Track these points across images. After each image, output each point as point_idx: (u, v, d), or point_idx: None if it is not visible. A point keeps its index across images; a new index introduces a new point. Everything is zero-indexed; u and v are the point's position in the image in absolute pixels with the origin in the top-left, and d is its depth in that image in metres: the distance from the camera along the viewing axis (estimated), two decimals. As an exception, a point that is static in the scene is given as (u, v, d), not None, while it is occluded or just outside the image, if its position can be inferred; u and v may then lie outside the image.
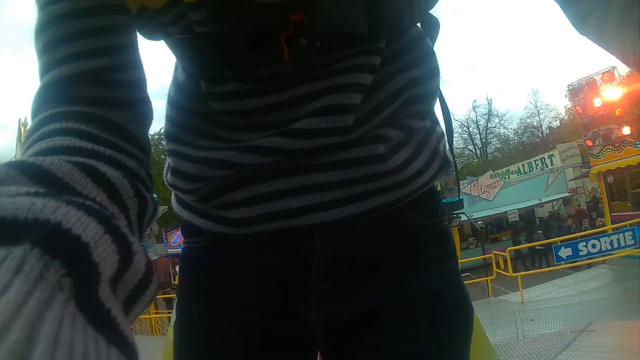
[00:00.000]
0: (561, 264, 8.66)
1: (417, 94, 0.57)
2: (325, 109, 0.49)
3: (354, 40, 0.49)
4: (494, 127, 37.79)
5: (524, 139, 36.23)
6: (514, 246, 13.14)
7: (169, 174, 0.58)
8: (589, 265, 9.87)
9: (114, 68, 0.46)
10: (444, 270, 0.60)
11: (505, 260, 8.60)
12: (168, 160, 0.60)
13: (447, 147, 0.66)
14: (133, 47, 0.49)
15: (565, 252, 8.45)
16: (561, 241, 9.01)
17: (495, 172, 22.52)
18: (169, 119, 0.60)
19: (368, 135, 0.53)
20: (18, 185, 0.28)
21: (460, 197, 12.96)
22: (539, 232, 17.02)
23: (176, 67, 0.62)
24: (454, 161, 0.69)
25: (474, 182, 21.38)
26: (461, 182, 22.10)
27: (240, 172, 0.53)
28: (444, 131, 0.66)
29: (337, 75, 0.50)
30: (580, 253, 8.30)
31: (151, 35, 0.52)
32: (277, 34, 0.45)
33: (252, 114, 0.53)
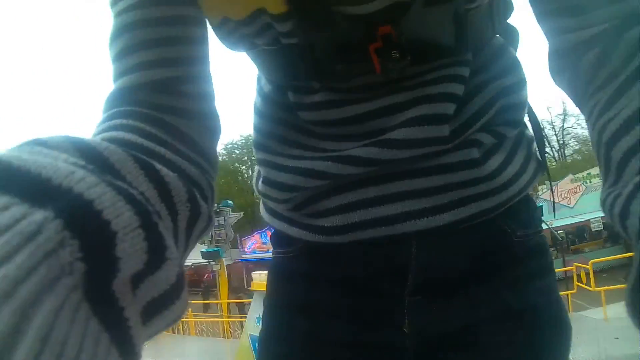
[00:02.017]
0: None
1: (509, 102, 0.57)
2: (420, 119, 0.49)
3: (442, 52, 0.50)
4: (571, 127, 35.77)
5: (607, 139, 33.91)
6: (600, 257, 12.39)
7: (260, 183, 0.58)
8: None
9: (184, 79, 0.46)
10: (543, 286, 0.58)
11: (587, 273, 8.14)
12: (257, 170, 0.60)
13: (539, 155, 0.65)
14: (205, 60, 0.49)
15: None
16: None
17: (576, 176, 21.24)
18: (257, 129, 0.60)
19: (463, 141, 0.53)
20: (67, 154, 0.26)
21: (540, 204, 12.34)
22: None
23: (259, 79, 0.62)
24: (547, 171, 0.67)
25: (554, 187, 20.37)
26: (539, 188, 21.13)
27: (335, 181, 0.53)
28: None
29: (429, 85, 0.50)
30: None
31: (235, 46, 0.52)
32: (367, 46, 0.46)
33: (343, 123, 0.53)
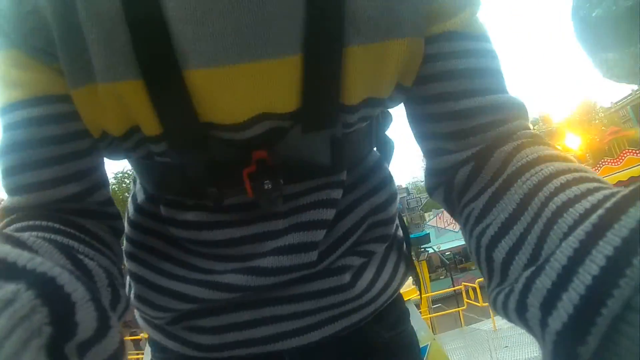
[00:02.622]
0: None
1: (379, 219, 0.58)
2: (289, 248, 0.49)
3: (317, 172, 0.50)
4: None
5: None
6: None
7: (132, 298, 0.56)
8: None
9: (85, 191, 0.47)
10: None
11: (474, 290, 8.70)
12: (129, 281, 0.58)
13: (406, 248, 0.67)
14: (101, 166, 0.50)
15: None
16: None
17: (459, 203, 22.83)
18: (129, 238, 0.58)
19: (333, 266, 0.53)
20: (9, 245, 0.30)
21: (426, 232, 13.11)
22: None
23: (134, 180, 0.60)
24: (415, 269, 0.69)
25: (439, 214, 21.73)
26: (426, 215, 22.41)
27: (206, 304, 0.52)
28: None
29: (301, 212, 0.50)
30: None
31: (113, 156, 0.52)
32: (240, 169, 0.45)
33: (215, 245, 0.52)
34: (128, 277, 0.58)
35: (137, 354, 9.02)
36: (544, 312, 0.28)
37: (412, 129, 0.53)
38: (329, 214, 0.51)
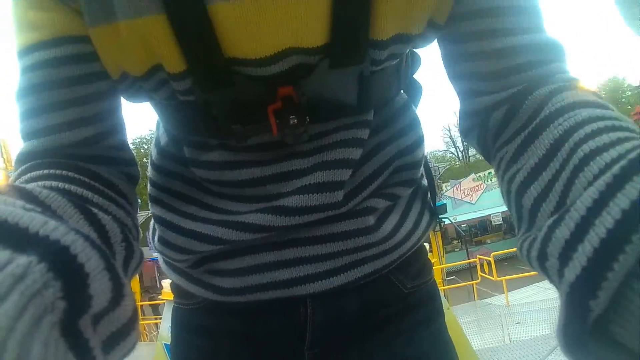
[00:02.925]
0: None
1: (405, 163, 0.57)
2: (315, 186, 0.48)
3: (343, 111, 0.49)
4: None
5: (506, 140, 36.46)
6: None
7: (156, 241, 0.57)
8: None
9: (101, 135, 0.47)
10: (431, 332, 0.61)
11: (489, 264, 8.68)
12: (152, 224, 0.59)
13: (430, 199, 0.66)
14: (118, 110, 0.50)
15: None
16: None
17: (478, 175, 22.75)
18: (152, 182, 0.58)
19: (358, 207, 0.52)
20: (22, 201, 0.28)
21: (444, 202, 13.08)
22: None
23: (158, 125, 0.60)
24: (439, 221, 0.69)
25: (457, 185, 21.63)
26: (444, 186, 22.34)
27: (230, 245, 0.52)
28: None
29: (327, 150, 0.49)
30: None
31: (133, 99, 0.51)
32: (265, 107, 0.44)
33: (239, 185, 0.52)
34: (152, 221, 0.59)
35: (156, 319, 9.31)
36: (562, 263, 0.28)
37: (446, 69, 0.51)
38: (355, 153, 0.50)
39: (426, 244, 0.68)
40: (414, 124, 0.58)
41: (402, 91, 0.59)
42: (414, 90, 0.62)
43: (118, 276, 0.28)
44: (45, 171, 0.40)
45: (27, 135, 0.45)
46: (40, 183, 0.37)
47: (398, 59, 0.51)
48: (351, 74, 0.46)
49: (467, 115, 0.50)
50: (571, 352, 0.27)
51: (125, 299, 0.29)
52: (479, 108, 0.48)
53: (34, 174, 0.40)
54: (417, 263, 0.62)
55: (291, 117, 0.43)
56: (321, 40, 0.43)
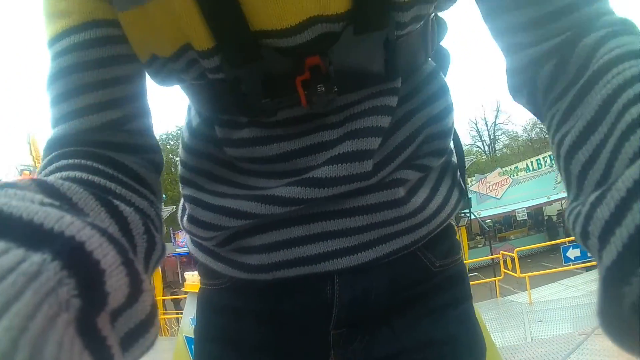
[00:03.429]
0: (569, 265, 8.66)
1: (435, 131, 0.56)
2: (344, 156, 0.48)
3: (371, 79, 0.48)
4: (503, 123, 37.59)
5: (533, 135, 35.84)
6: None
7: (185, 220, 0.58)
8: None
9: (126, 119, 0.48)
10: (459, 313, 0.60)
11: (513, 260, 8.59)
12: (182, 204, 0.60)
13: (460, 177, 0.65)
14: (144, 95, 0.51)
15: (573, 253, 8.43)
16: (569, 242, 8.97)
17: (504, 169, 22.37)
18: (183, 163, 0.60)
19: (387, 179, 0.52)
20: (41, 196, 0.28)
21: (469, 196, 12.88)
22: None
23: (189, 109, 0.61)
24: (468, 200, 0.67)
25: (482, 179, 21.32)
26: (469, 180, 22.04)
27: (259, 220, 0.52)
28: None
29: (355, 119, 0.49)
30: (589, 254, 8.28)
31: (164, 81, 0.52)
32: (294, 78, 0.44)
33: (270, 160, 0.52)
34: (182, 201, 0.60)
35: (177, 313, 9.46)
36: (601, 244, 0.28)
37: (489, 28, 0.50)
38: (384, 121, 0.49)
39: None
40: (443, 90, 0.58)
41: (429, 59, 0.58)
42: (441, 57, 0.61)
43: (136, 271, 0.28)
44: (70, 161, 0.41)
45: (57, 121, 0.46)
46: (64, 174, 0.38)
47: (422, 22, 0.50)
48: (377, 40, 0.46)
49: (514, 73, 0.49)
50: (611, 332, 0.27)
51: (144, 295, 0.28)
52: (525, 62, 0.46)
53: (59, 164, 0.41)
54: (446, 241, 0.61)
55: (319, 85, 0.44)
56: (344, 7, 0.43)
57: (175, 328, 8.52)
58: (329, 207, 0.51)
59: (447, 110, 0.57)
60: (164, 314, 9.98)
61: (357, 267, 0.52)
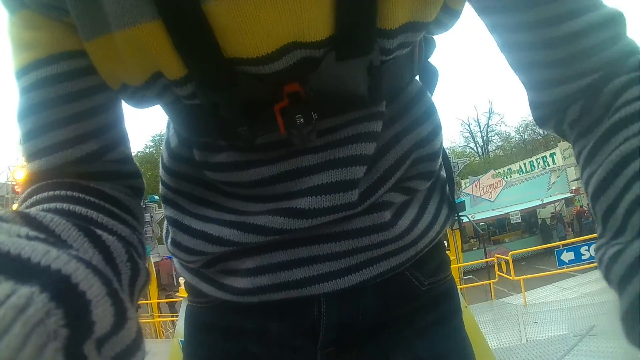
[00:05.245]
0: (563, 268, 8.67)
1: (424, 154, 0.54)
2: (328, 187, 0.46)
3: (354, 104, 0.46)
4: (495, 124, 37.73)
5: (525, 136, 35.99)
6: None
7: (168, 243, 0.57)
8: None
9: (105, 148, 0.47)
10: (448, 330, 0.59)
11: (507, 263, 8.60)
12: (166, 226, 0.59)
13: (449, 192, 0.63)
14: (120, 121, 0.49)
15: (567, 256, 8.48)
16: (563, 245, 9.00)
17: (497, 171, 22.45)
18: (164, 183, 0.58)
19: (373, 203, 0.51)
20: (25, 228, 0.29)
21: (462, 199, 12.95)
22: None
23: (168, 125, 0.59)
24: (458, 216, 0.66)
25: (476, 182, 21.38)
26: (463, 182, 22.09)
27: (243, 246, 0.51)
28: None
29: (338, 147, 0.47)
30: (583, 257, 8.33)
31: (138, 105, 0.50)
32: (273, 104, 0.42)
33: (249, 185, 0.50)
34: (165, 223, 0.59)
35: (172, 316, 9.42)
36: (620, 292, 0.32)
37: (507, 58, 0.49)
38: (369, 148, 0.48)
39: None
40: (430, 111, 0.55)
41: (416, 77, 0.56)
42: (428, 75, 0.59)
43: (121, 301, 0.29)
44: (51, 193, 0.41)
45: (32, 156, 0.45)
46: (45, 206, 0.38)
47: (410, 47, 0.48)
48: (360, 65, 0.43)
49: (541, 105, 0.48)
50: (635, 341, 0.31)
51: (129, 322, 0.30)
52: (554, 99, 0.46)
53: (39, 196, 0.41)
54: (434, 259, 0.60)
55: (297, 116, 0.42)
56: (326, 33, 0.41)
57: (171, 331, 8.47)
58: (313, 232, 0.50)
59: (435, 131, 0.56)
60: (159, 316, 9.92)
61: (343, 290, 0.51)
